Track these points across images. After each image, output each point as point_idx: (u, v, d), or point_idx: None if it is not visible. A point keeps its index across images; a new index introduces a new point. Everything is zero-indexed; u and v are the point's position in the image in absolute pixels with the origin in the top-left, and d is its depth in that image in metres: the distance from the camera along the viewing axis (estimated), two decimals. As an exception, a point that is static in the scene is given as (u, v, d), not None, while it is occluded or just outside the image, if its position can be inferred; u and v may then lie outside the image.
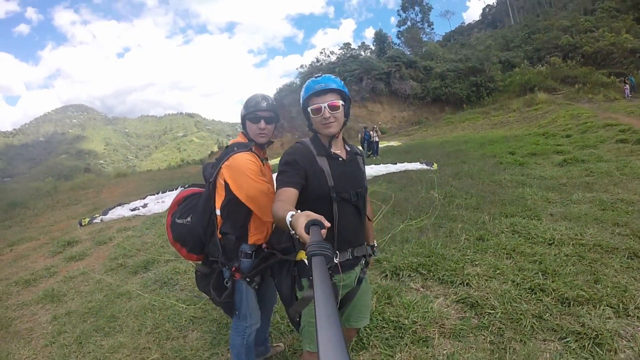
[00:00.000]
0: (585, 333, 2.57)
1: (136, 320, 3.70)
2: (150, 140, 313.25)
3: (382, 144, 21.09)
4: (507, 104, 31.98)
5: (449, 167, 10.40)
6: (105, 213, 10.08)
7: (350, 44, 53.08)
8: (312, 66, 50.39)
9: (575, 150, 10.79)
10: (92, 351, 3.27)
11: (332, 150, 2.06)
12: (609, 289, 3.11)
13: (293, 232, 1.35)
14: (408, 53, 49.95)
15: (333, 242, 1.98)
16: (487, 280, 3.49)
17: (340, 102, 1.98)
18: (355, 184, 2.09)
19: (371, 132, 18.86)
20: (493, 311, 2.94)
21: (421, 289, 3.54)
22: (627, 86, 26.73)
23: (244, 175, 2.19)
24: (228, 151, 2.32)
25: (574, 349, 2.47)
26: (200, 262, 2.49)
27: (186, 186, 2.65)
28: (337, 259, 1.95)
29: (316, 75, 2.03)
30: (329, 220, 1.76)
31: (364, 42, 53.26)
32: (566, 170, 8.14)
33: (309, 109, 1.99)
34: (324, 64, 50.13)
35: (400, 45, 55.42)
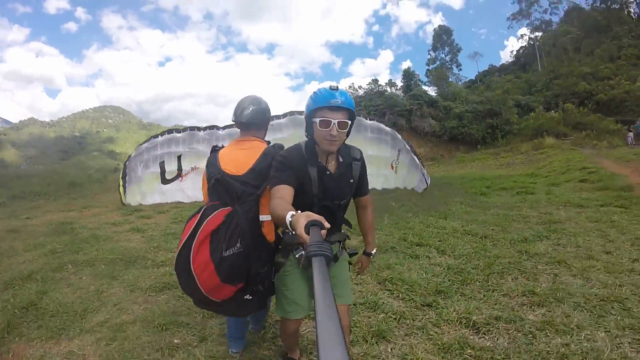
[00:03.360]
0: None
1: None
2: None
3: None
4: (517, 147, 32.90)
5: (424, 193, 12.70)
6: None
7: (378, 80, 54.43)
8: (341, 98, 51.92)
9: (540, 187, 12.70)
10: (176, 245, 6.05)
11: (324, 163, 2.14)
12: (445, 244, 5.79)
13: (293, 232, 1.39)
14: (434, 92, 51.46)
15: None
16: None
17: (349, 122, 2.02)
18: (338, 196, 2.23)
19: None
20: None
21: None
22: (631, 134, 27.23)
23: None
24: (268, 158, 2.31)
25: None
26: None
27: (202, 209, 2.25)
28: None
29: (332, 87, 2.00)
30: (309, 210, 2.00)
31: (390, 79, 54.53)
32: (513, 199, 10.34)
33: (316, 119, 1.98)
34: (352, 96, 51.89)
35: (427, 83, 56.98)
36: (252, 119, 2.56)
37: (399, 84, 55.31)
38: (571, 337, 3.02)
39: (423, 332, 3.24)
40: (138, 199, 10.95)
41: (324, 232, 1.28)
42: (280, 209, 1.65)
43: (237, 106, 2.60)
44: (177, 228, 7.56)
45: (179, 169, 10.63)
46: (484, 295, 3.90)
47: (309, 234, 1.25)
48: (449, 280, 4.33)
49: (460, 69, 67.42)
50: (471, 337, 3.14)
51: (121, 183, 10.59)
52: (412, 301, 3.83)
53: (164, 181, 10.70)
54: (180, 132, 10.72)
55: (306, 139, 2.18)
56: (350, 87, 55.89)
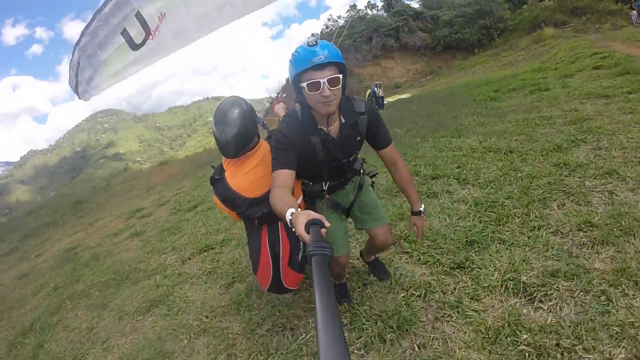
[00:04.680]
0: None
1: (195, 226, 6.30)
2: (182, 129, 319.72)
3: (393, 97, 22.76)
4: (516, 43, 31.43)
5: (429, 109, 11.76)
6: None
7: (356, 5, 52.51)
8: (322, 33, 50.23)
9: (553, 81, 11.63)
10: (170, 243, 5.88)
11: (325, 128, 2.05)
12: (466, 170, 4.83)
13: (293, 229, 1.36)
14: (417, 5, 48.82)
15: (323, 179, 2.28)
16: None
17: (340, 76, 1.85)
18: (345, 154, 2.19)
19: (376, 89, 20.26)
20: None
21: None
22: (634, 12, 25.37)
23: None
24: None
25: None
26: None
27: (262, 239, 2.50)
28: (326, 186, 2.30)
29: (310, 43, 1.82)
30: (318, 175, 2.24)
31: (370, 1, 51.95)
32: (528, 100, 9.23)
33: (303, 84, 1.84)
34: (333, 29, 50.01)
35: (410, -3, 54.07)
36: (240, 144, 2.41)
37: (380, 4, 52.42)
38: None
39: (458, 311, 2.42)
40: (111, 82, 10.18)
41: (323, 230, 1.26)
42: (280, 203, 1.62)
43: (216, 128, 2.43)
44: (173, 221, 7.37)
45: (144, 25, 9.75)
46: (528, 238, 3.01)
47: (309, 233, 1.24)
48: (480, 222, 3.45)
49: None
50: (524, 310, 2.31)
51: (72, 74, 9.82)
52: (437, 264, 2.99)
53: (135, 47, 9.80)
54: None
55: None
56: (329, 19, 53.91)
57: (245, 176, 2.40)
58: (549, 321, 2.16)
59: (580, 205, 3.34)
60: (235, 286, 3.76)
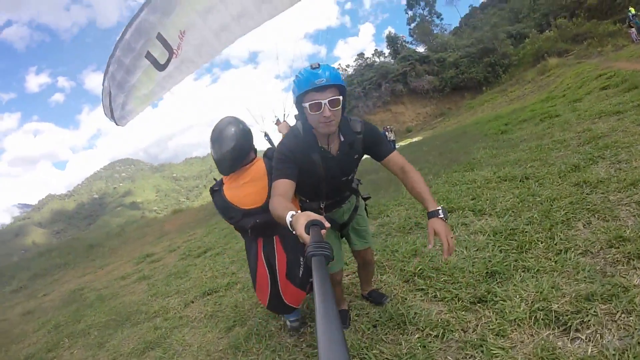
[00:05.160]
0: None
1: (202, 270, 6.24)
2: (198, 180, 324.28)
3: (406, 141, 22.90)
4: (522, 77, 31.61)
5: (440, 148, 11.55)
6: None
7: (364, 54, 53.85)
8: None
9: (563, 107, 11.42)
10: (175, 286, 5.83)
11: (326, 146, 2.12)
12: (482, 201, 4.56)
13: (293, 231, 1.39)
14: (423, 49, 50.21)
15: (321, 197, 2.37)
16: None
17: (340, 98, 1.93)
18: (344, 172, 2.29)
19: (387, 133, 20.28)
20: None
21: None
22: (633, 30, 25.24)
23: None
24: None
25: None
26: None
27: (259, 253, 2.60)
28: (323, 204, 2.39)
29: (313, 66, 1.89)
30: (318, 190, 2.30)
31: (377, 49, 53.63)
32: (539, 128, 9.02)
33: (305, 104, 1.91)
34: (342, 77, 51.31)
35: (414, 42, 55.49)
36: (234, 158, 2.53)
37: (387, 51, 54.16)
38: None
39: (482, 351, 2.11)
40: (144, 104, 10.21)
41: (324, 231, 1.27)
42: (280, 208, 1.64)
43: (212, 146, 2.55)
44: (181, 265, 7.38)
45: (166, 45, 9.76)
46: (555, 262, 2.70)
47: (309, 234, 1.25)
48: (500, 251, 3.15)
49: (442, 19, 65.09)
50: (559, 342, 1.99)
51: (106, 103, 9.96)
52: (456, 299, 2.68)
53: (160, 67, 9.77)
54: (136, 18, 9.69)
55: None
56: (338, 68, 54.36)
57: (240, 189, 2.53)
58: (589, 352, 1.85)
59: (608, 221, 3.04)
60: (235, 330, 3.58)
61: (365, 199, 2.73)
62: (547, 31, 36.58)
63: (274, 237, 2.53)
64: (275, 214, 1.69)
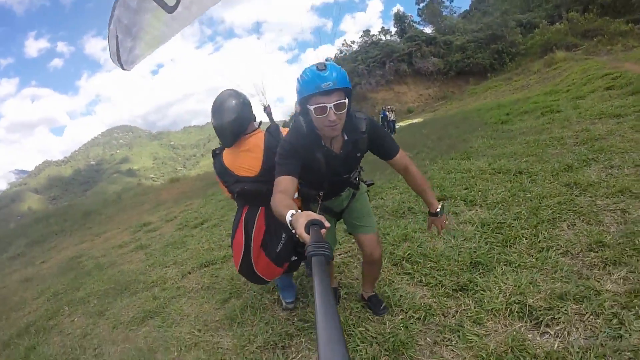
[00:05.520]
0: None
1: (199, 242, 6.30)
2: (196, 149, 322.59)
3: (405, 122, 22.82)
4: (528, 67, 31.24)
5: (440, 132, 11.66)
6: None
7: (370, 31, 52.96)
8: (336, 58, 50.79)
9: (565, 103, 11.47)
10: (173, 257, 5.88)
11: (329, 145, 2.09)
12: (474, 191, 4.68)
13: (293, 230, 1.37)
14: (430, 30, 49.38)
15: (321, 189, 2.34)
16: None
17: (346, 101, 1.87)
18: (346, 170, 2.29)
19: (387, 113, 20.22)
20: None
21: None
22: None
23: None
24: None
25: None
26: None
27: (242, 220, 2.65)
28: (321, 193, 2.34)
29: (319, 67, 1.83)
30: (319, 185, 2.32)
31: (383, 27, 52.74)
32: (539, 122, 9.09)
33: (311, 107, 1.86)
34: (347, 54, 50.61)
35: (422, 23, 54.30)
36: (236, 129, 2.57)
37: (393, 30, 53.25)
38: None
39: (459, 335, 2.29)
40: (153, 47, 10.02)
41: (323, 231, 1.27)
42: (281, 206, 1.63)
43: (213, 117, 2.59)
44: (178, 236, 7.37)
45: None
46: (536, 259, 2.87)
47: (309, 234, 1.25)
48: (486, 243, 3.31)
49: (452, 1, 64.05)
50: (530, 335, 2.16)
51: (112, 47, 9.91)
52: (440, 285, 2.86)
53: (170, 9, 9.63)
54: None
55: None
56: (343, 44, 54.52)
57: (237, 156, 2.60)
58: (555, 347, 2.01)
59: (592, 224, 3.18)
60: (231, 302, 3.70)
61: (368, 185, 2.67)
62: (557, 23, 35.87)
63: (260, 208, 2.58)
64: (276, 212, 1.68)
